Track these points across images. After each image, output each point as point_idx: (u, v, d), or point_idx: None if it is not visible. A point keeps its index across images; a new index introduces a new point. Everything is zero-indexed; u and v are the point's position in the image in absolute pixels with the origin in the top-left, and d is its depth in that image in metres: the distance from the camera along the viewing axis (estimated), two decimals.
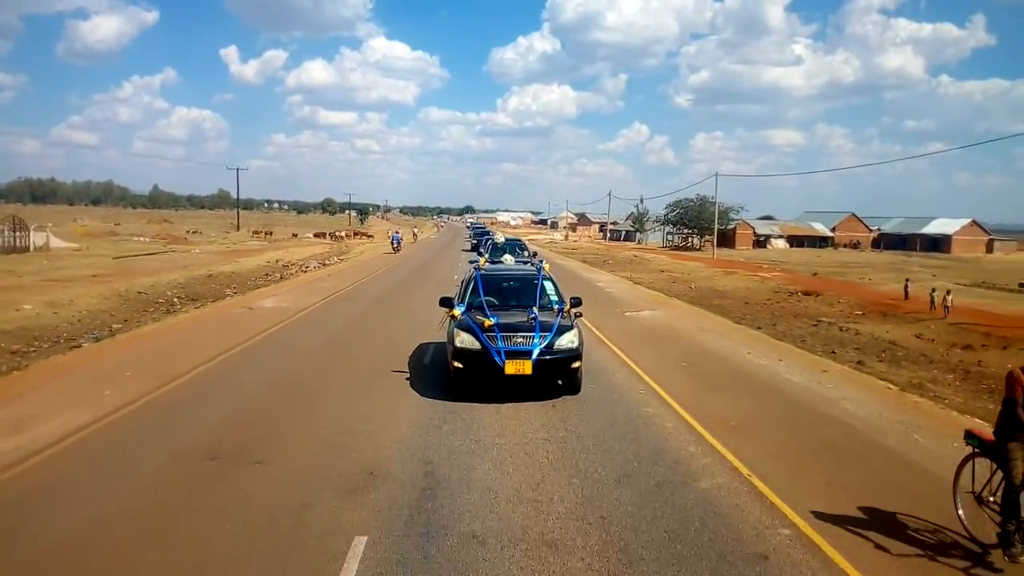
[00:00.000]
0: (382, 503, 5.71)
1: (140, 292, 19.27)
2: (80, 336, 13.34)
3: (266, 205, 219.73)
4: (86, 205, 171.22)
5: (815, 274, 33.57)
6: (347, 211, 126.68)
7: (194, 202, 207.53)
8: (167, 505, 5.66)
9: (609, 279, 30.95)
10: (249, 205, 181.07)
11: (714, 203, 64.04)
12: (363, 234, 61.69)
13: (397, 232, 50.71)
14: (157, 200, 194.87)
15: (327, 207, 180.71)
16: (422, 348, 12.30)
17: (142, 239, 42.75)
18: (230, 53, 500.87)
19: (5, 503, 5.68)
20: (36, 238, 30.88)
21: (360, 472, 6.39)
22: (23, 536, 5.08)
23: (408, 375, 10.37)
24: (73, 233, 38.02)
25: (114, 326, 14.56)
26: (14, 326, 13.65)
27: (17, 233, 29.50)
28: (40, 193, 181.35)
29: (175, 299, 18.83)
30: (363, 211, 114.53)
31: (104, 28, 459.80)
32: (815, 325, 17.82)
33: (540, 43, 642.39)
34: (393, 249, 43.79)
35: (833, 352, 13.81)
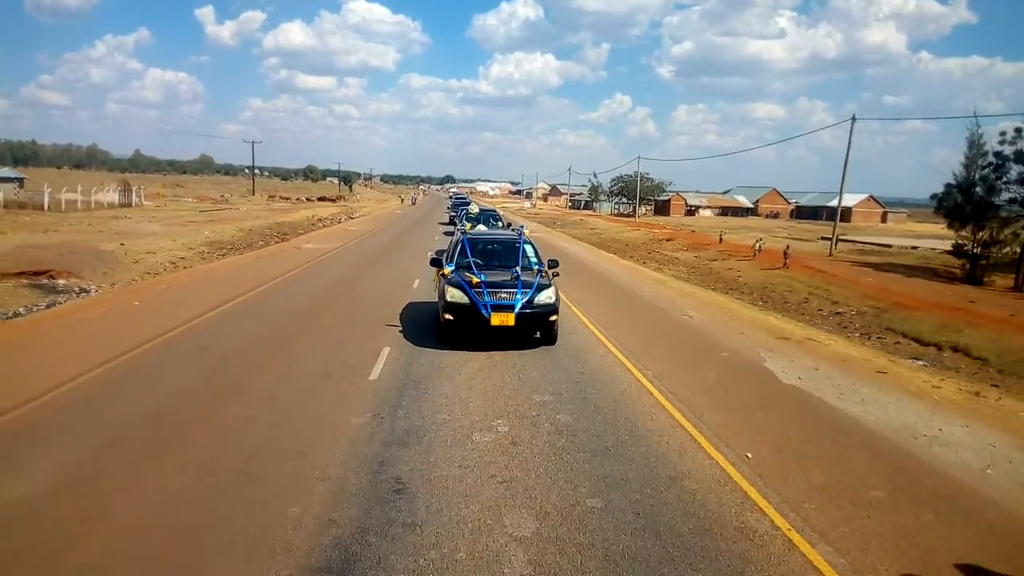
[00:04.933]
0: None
1: (250, 230, 31.66)
2: (249, 245, 25.87)
3: (247, 171, 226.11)
4: (70, 168, 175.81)
5: (693, 231, 47.07)
6: (330, 179, 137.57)
7: (176, 167, 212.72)
8: (386, 251, 21.68)
9: (535, 226, 46.21)
10: (231, 171, 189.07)
11: (649, 179, 78.26)
12: (340, 198, 76.06)
13: (415, 194, 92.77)
14: (139, 164, 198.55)
15: (309, 174, 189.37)
16: (436, 234, 28.88)
17: (191, 200, 54.60)
18: (206, 13, 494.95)
19: (343, 251, 22.73)
20: (134, 197, 42.94)
21: (424, 248, 19.83)
22: (356, 251, 19.98)
23: (437, 236, 26.50)
24: (152, 194, 50.15)
25: (259, 243, 27.09)
26: (212, 240, 26.10)
27: (125, 193, 41.67)
28: (21, 155, 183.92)
29: (274, 234, 31.27)
30: (347, 179, 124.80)
31: None
32: (649, 253, 31.21)
33: (523, 9, 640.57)
34: (412, 203, 78.32)
35: (630, 256, 27.27)
